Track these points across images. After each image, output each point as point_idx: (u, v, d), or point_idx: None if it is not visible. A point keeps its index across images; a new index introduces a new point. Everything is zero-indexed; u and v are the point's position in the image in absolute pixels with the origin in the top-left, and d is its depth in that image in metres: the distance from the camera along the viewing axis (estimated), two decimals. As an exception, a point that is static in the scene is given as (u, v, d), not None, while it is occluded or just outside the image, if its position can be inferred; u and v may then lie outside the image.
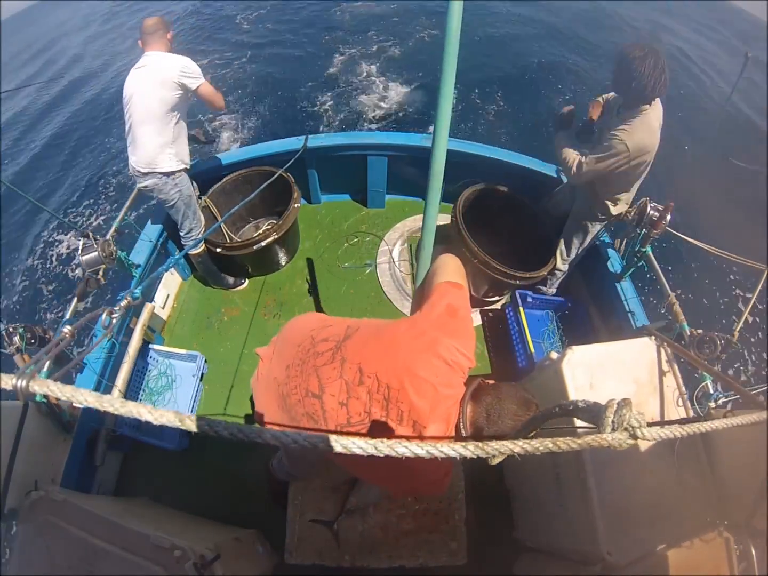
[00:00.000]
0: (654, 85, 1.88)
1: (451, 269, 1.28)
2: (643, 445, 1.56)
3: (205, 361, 2.56)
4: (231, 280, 3.00)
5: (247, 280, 3.07)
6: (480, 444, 0.50)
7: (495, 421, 0.97)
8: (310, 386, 1.08)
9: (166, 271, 1.67)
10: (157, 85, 2.15)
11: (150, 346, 2.54)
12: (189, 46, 9.06)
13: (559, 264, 2.68)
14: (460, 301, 1.17)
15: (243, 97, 7.14)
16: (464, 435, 1.00)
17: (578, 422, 0.67)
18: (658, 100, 1.99)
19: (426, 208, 1.14)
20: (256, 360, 1.67)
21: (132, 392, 2.35)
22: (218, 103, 2.42)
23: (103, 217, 5.32)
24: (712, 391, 1.79)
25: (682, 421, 1.63)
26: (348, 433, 1.01)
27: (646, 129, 1.99)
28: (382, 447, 0.48)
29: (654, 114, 2.00)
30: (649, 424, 0.53)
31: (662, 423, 1.59)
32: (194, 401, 2.43)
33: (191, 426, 0.44)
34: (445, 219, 3.15)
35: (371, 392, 1.02)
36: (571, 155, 2.22)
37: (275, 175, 2.58)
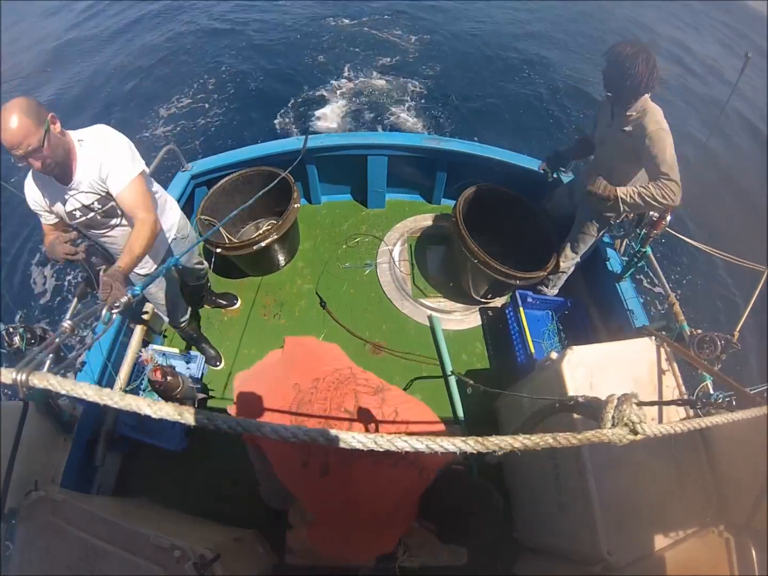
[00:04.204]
0: (648, 81, 1.90)
1: None
2: (644, 445, 1.56)
3: (205, 361, 2.56)
4: (213, 352, 2.68)
5: (223, 363, 2.70)
6: (480, 439, 0.50)
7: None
8: (345, 403, 1.22)
9: (167, 270, 1.67)
10: None
11: (150, 346, 2.54)
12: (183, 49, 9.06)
13: (563, 265, 2.66)
14: None
15: (240, 97, 7.14)
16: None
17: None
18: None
19: None
20: (256, 360, 1.68)
21: (132, 393, 2.35)
22: None
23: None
24: (712, 391, 1.78)
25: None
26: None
27: (651, 104, 1.98)
28: (382, 441, 0.48)
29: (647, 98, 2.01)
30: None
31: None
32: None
33: (190, 419, 0.44)
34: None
35: (398, 432, 1.15)
36: (653, 189, 1.94)
37: (278, 178, 2.53)
